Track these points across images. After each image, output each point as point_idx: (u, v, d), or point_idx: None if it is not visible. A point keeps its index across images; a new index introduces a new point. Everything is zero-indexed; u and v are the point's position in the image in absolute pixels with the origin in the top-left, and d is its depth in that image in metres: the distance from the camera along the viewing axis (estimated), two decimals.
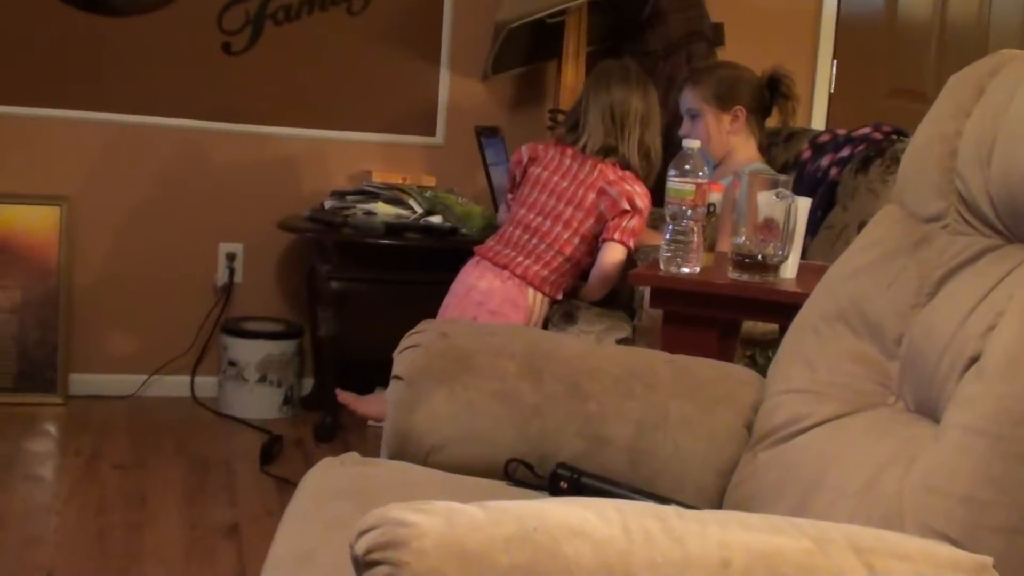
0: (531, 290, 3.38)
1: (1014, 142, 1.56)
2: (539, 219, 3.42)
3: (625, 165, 3.41)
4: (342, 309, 4.08)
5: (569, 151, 3.45)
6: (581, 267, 3.43)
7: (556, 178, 3.43)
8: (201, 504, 3.39)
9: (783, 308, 2.26)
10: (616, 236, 3.34)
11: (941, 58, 4.93)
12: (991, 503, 1.32)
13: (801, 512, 1.58)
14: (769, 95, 3.58)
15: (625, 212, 3.34)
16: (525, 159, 3.54)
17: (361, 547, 1.10)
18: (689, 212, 2.59)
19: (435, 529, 1.07)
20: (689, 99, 3.55)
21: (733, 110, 3.50)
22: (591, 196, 3.38)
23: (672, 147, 3.27)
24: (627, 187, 3.36)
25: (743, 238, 2.51)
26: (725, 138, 3.51)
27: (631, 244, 3.35)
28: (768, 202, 2.48)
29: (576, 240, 3.39)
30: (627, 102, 3.43)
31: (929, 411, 1.57)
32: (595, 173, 3.39)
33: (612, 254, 3.35)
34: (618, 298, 3.50)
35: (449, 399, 1.96)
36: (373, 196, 4.21)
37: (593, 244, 3.41)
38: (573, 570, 1.08)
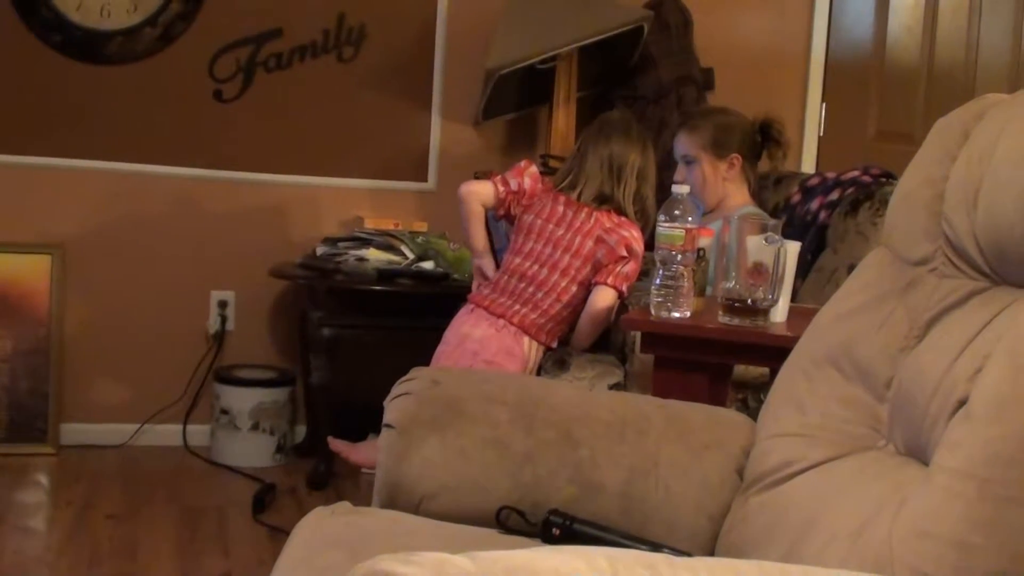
0: (527, 339, 3.37)
1: (999, 186, 1.57)
2: (535, 267, 3.40)
3: (620, 212, 3.40)
4: (334, 356, 4.07)
5: (562, 199, 3.44)
6: (577, 314, 3.42)
7: (551, 226, 3.42)
8: (194, 554, 3.37)
9: (773, 352, 2.26)
10: (609, 280, 3.33)
11: (929, 101, 4.95)
12: (981, 547, 1.32)
13: (793, 557, 1.58)
14: (761, 141, 3.60)
15: (621, 258, 3.33)
16: (527, 186, 3.49)
17: None
18: (679, 257, 2.60)
19: None
20: (685, 145, 3.56)
21: (729, 158, 3.51)
22: (589, 244, 3.36)
23: (663, 191, 3.28)
24: (624, 233, 3.35)
25: (733, 282, 2.52)
26: (720, 185, 3.52)
27: (624, 289, 3.34)
28: (758, 246, 2.49)
29: (574, 288, 3.38)
30: (626, 155, 3.42)
31: (919, 454, 1.57)
32: (591, 221, 3.38)
33: (603, 298, 3.34)
34: (610, 343, 3.50)
35: (441, 447, 1.96)
36: (365, 242, 4.21)
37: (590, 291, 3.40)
38: None
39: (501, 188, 3.48)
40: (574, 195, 3.42)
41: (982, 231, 1.60)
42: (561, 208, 3.42)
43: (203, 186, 4.41)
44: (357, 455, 3.71)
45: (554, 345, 3.44)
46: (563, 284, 3.38)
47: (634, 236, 3.36)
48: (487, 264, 3.55)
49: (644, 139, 3.49)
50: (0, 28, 4.19)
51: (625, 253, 3.33)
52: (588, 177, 3.42)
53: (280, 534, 3.47)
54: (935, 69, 5.03)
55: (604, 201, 3.40)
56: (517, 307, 3.38)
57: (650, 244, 3.21)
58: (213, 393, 4.32)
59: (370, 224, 4.35)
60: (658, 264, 2.64)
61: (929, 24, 5.02)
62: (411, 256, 4.16)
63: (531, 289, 3.39)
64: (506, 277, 3.45)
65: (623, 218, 3.39)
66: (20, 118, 4.24)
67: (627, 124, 3.51)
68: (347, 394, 4.06)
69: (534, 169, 3.54)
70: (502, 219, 3.60)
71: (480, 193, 3.50)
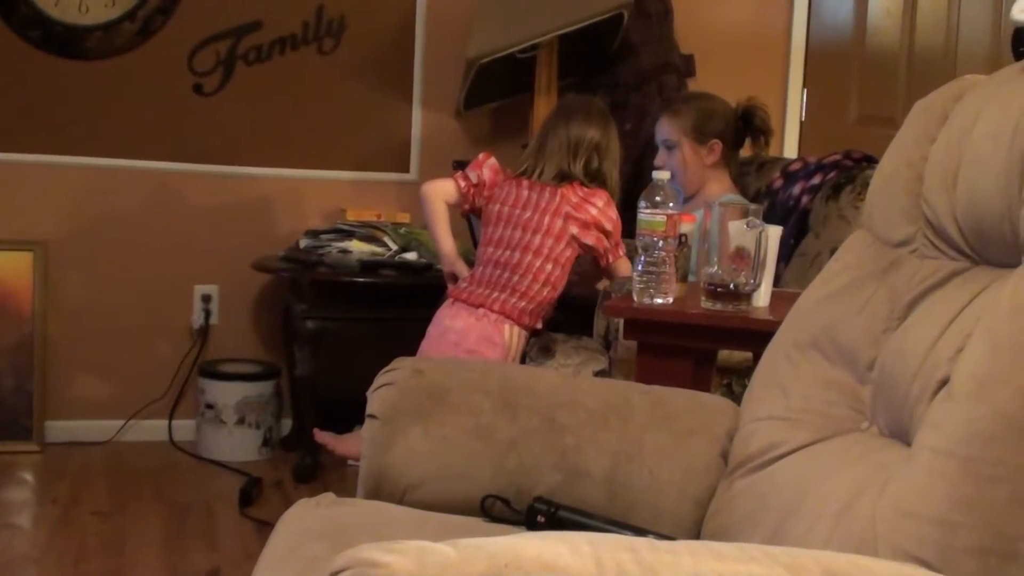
0: (507, 326, 3.38)
1: (978, 166, 1.57)
2: (508, 253, 3.41)
3: (582, 184, 3.42)
4: (318, 348, 4.07)
5: (525, 183, 3.46)
6: (558, 292, 3.43)
7: (518, 211, 3.43)
8: (181, 549, 3.37)
9: (756, 336, 2.26)
10: (610, 259, 3.43)
11: (910, 85, 4.96)
12: (964, 525, 1.32)
13: (777, 539, 1.58)
14: (743, 127, 3.60)
15: (604, 235, 3.37)
16: (487, 178, 3.51)
17: None
18: (661, 243, 2.59)
19: (406, 569, 1.06)
20: (666, 130, 3.56)
21: (710, 144, 3.52)
22: (558, 222, 3.38)
23: (644, 177, 3.28)
24: (592, 211, 3.38)
25: (715, 267, 2.52)
26: (701, 170, 3.53)
27: (621, 254, 3.44)
28: (739, 231, 2.49)
29: (549, 266, 3.39)
30: (584, 134, 3.44)
31: (902, 435, 1.57)
32: (557, 198, 3.40)
33: (620, 270, 3.42)
34: (594, 330, 3.51)
35: (424, 436, 1.95)
36: (348, 234, 4.21)
37: (568, 269, 3.42)
38: None
39: (462, 183, 3.51)
40: (534, 177, 3.44)
41: (962, 211, 1.61)
42: (525, 192, 3.45)
43: (185, 180, 4.39)
44: (343, 447, 3.70)
45: (539, 326, 3.45)
46: (538, 264, 3.39)
47: (600, 207, 3.39)
48: (460, 269, 3.55)
49: (605, 118, 3.50)
50: None
51: (597, 231, 3.37)
52: (548, 159, 3.44)
53: (267, 527, 3.43)
54: (916, 53, 5.04)
55: (564, 177, 3.43)
56: (496, 294, 3.39)
57: (626, 223, 3.24)
58: (198, 388, 4.31)
59: (352, 216, 4.35)
60: (640, 250, 2.64)
61: (909, 8, 5.03)
62: (394, 247, 4.16)
63: (507, 274, 3.40)
64: (481, 267, 3.46)
65: (587, 189, 3.41)
66: (0, 114, 4.23)
67: (587, 105, 3.54)
68: (332, 386, 4.06)
69: (493, 161, 3.56)
70: (467, 214, 3.62)
71: (442, 190, 3.53)
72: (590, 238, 3.39)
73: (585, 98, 3.65)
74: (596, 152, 3.43)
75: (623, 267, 3.43)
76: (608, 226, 3.39)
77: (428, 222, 3.58)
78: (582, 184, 3.41)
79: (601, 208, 3.39)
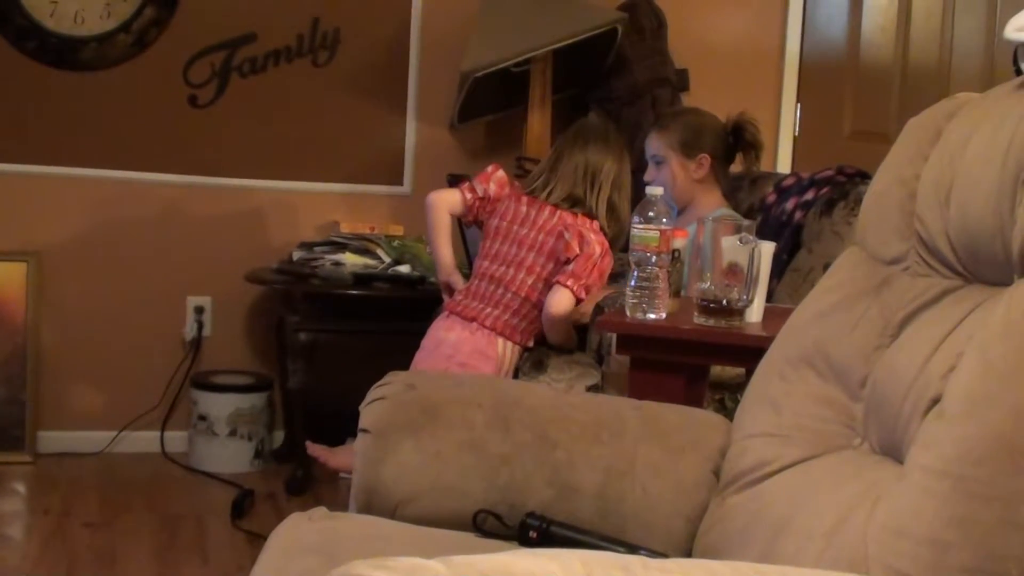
0: (501, 340, 3.37)
1: (970, 184, 1.57)
2: (502, 268, 3.41)
3: (591, 217, 3.40)
4: (311, 361, 4.06)
5: (525, 199, 3.45)
6: None
7: (516, 226, 3.42)
8: (172, 561, 3.36)
9: (749, 352, 2.26)
10: (559, 279, 3.33)
11: (903, 100, 4.97)
12: (955, 544, 1.32)
13: (769, 557, 1.58)
14: (734, 142, 3.60)
15: (576, 257, 3.31)
16: (493, 192, 3.49)
17: None
18: (654, 258, 2.59)
19: None
20: (654, 145, 3.56)
21: (698, 158, 3.51)
22: (551, 241, 3.37)
23: (638, 192, 3.28)
24: (584, 231, 3.35)
25: (708, 283, 2.52)
26: (690, 185, 3.52)
27: (576, 289, 3.31)
28: (732, 247, 2.49)
29: (540, 285, 3.38)
30: (601, 161, 3.42)
31: (894, 452, 1.57)
32: (555, 218, 3.39)
33: (555, 298, 3.32)
34: (587, 344, 3.50)
35: (417, 451, 1.95)
36: (341, 246, 4.21)
37: None
38: None
39: (468, 195, 3.49)
40: (542, 196, 3.42)
41: (954, 230, 1.61)
42: (524, 208, 3.44)
43: (178, 191, 4.39)
44: (335, 460, 3.70)
45: (531, 344, 3.44)
46: (530, 282, 3.38)
47: (590, 239, 3.33)
48: (456, 280, 3.54)
49: (621, 147, 3.49)
50: None
51: (578, 249, 3.30)
52: (560, 180, 3.42)
53: (259, 540, 3.44)
54: (909, 68, 5.05)
55: (575, 204, 3.40)
56: (488, 309, 3.39)
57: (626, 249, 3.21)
58: (190, 399, 4.31)
59: (346, 228, 4.35)
60: (633, 265, 2.64)
61: (903, 24, 5.04)
62: (387, 260, 4.16)
63: (500, 291, 3.40)
64: (476, 281, 3.46)
65: (591, 222, 3.38)
66: None
67: (605, 131, 3.52)
68: (324, 398, 4.04)
69: (500, 174, 3.54)
70: (471, 225, 3.60)
71: (448, 201, 3.51)
72: (563, 245, 3.33)
73: (603, 124, 3.61)
74: (612, 184, 3.41)
75: (553, 296, 3.32)
76: (585, 250, 3.31)
77: (429, 231, 3.56)
78: (590, 217, 3.39)
79: (591, 239, 3.33)
